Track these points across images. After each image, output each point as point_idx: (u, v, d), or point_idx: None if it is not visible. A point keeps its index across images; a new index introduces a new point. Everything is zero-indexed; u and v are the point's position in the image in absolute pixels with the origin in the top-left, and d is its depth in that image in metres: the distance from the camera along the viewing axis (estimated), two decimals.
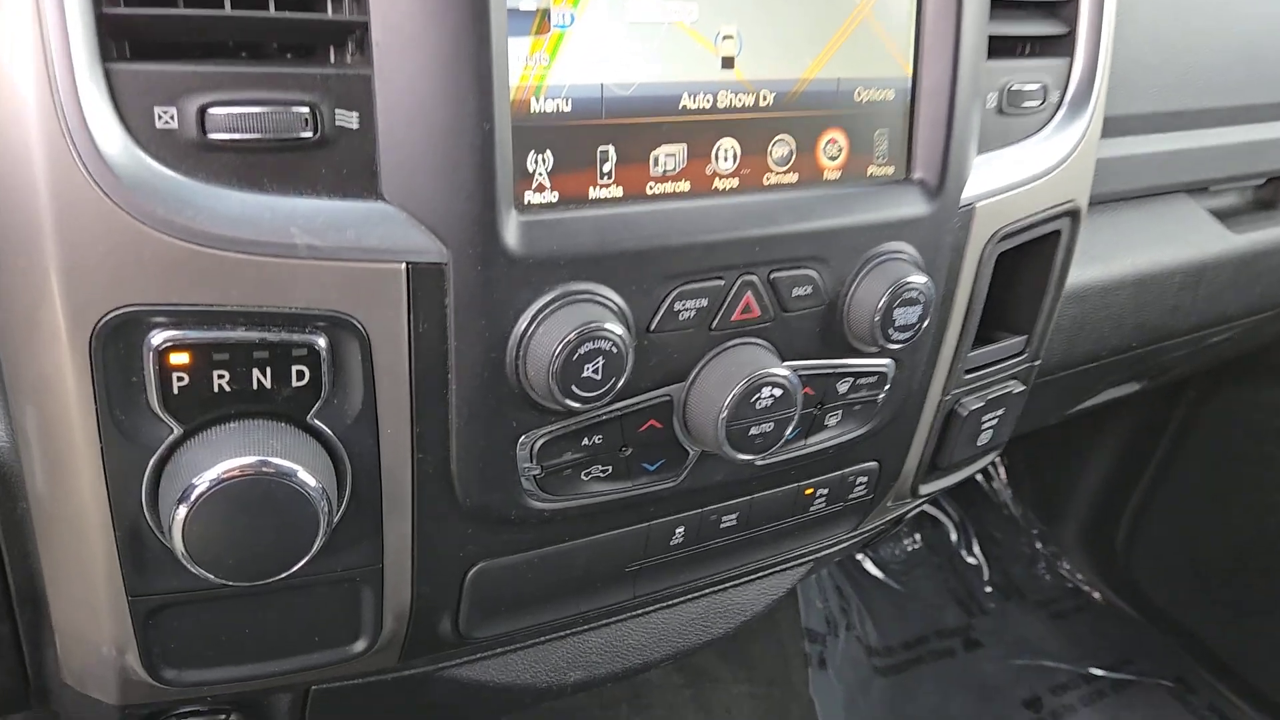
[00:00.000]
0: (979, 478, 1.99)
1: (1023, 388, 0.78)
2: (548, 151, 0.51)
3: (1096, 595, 1.91)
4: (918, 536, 1.91)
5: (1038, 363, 0.79)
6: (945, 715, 1.62)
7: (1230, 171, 1.01)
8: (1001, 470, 1.99)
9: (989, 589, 1.89)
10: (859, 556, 1.80)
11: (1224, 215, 1.05)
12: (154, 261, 0.44)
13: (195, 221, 0.44)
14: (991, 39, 0.64)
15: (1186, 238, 0.96)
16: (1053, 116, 0.71)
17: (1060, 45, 0.71)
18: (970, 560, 1.92)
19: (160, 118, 0.43)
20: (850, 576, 1.78)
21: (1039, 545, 1.96)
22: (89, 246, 0.43)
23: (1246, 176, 1.04)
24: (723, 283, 0.56)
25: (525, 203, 0.50)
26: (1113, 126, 0.88)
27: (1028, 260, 0.74)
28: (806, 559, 0.78)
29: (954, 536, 1.93)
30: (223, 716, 0.62)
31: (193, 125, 0.43)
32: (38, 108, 0.41)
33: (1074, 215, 0.74)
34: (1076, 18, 0.70)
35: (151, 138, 0.43)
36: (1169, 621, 1.81)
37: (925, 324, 0.61)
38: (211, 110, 0.43)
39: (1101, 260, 0.88)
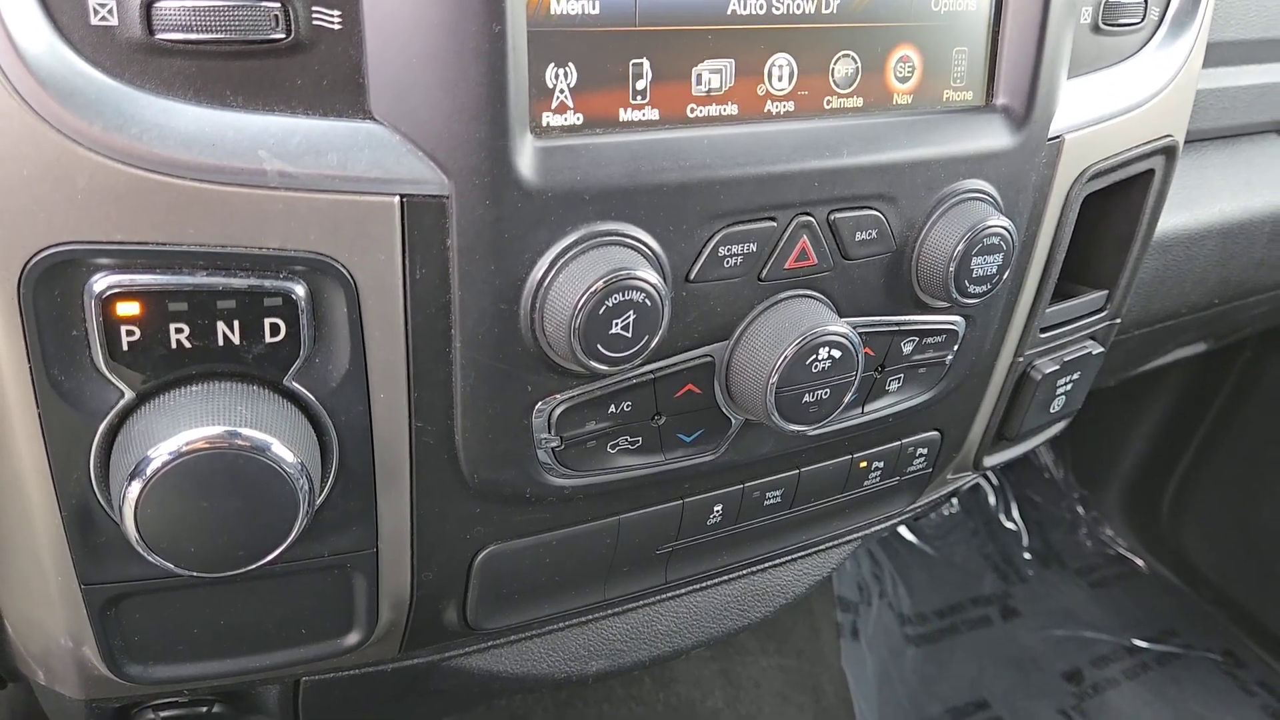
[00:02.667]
0: None
1: (1101, 349, 0.70)
2: (570, 64, 0.43)
3: (1140, 563, 1.83)
4: (954, 500, 1.83)
5: (1118, 320, 0.71)
6: (981, 687, 1.56)
7: None
8: None
9: (1028, 555, 1.82)
10: None
11: None
12: (92, 190, 0.36)
13: (141, 141, 0.36)
14: None
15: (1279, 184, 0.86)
16: (1152, 36, 0.61)
17: None
18: (1009, 525, 1.85)
19: (96, 12, 0.35)
20: (883, 541, 1.71)
21: (1081, 510, 1.89)
22: (10, 171, 0.35)
23: None
24: (775, 224, 0.48)
25: (543, 125, 0.42)
26: (1216, 54, 0.78)
27: (1115, 204, 0.66)
28: (855, 537, 0.70)
29: (992, 501, 1.86)
30: (204, 709, 0.56)
31: (136, 22, 0.36)
32: None
33: (1170, 153, 0.65)
34: None
35: (85, 36, 0.36)
36: (1217, 592, 1.74)
37: (1005, 275, 0.53)
38: (160, 3, 0.35)
39: (1187, 207, 0.80)
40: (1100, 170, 0.60)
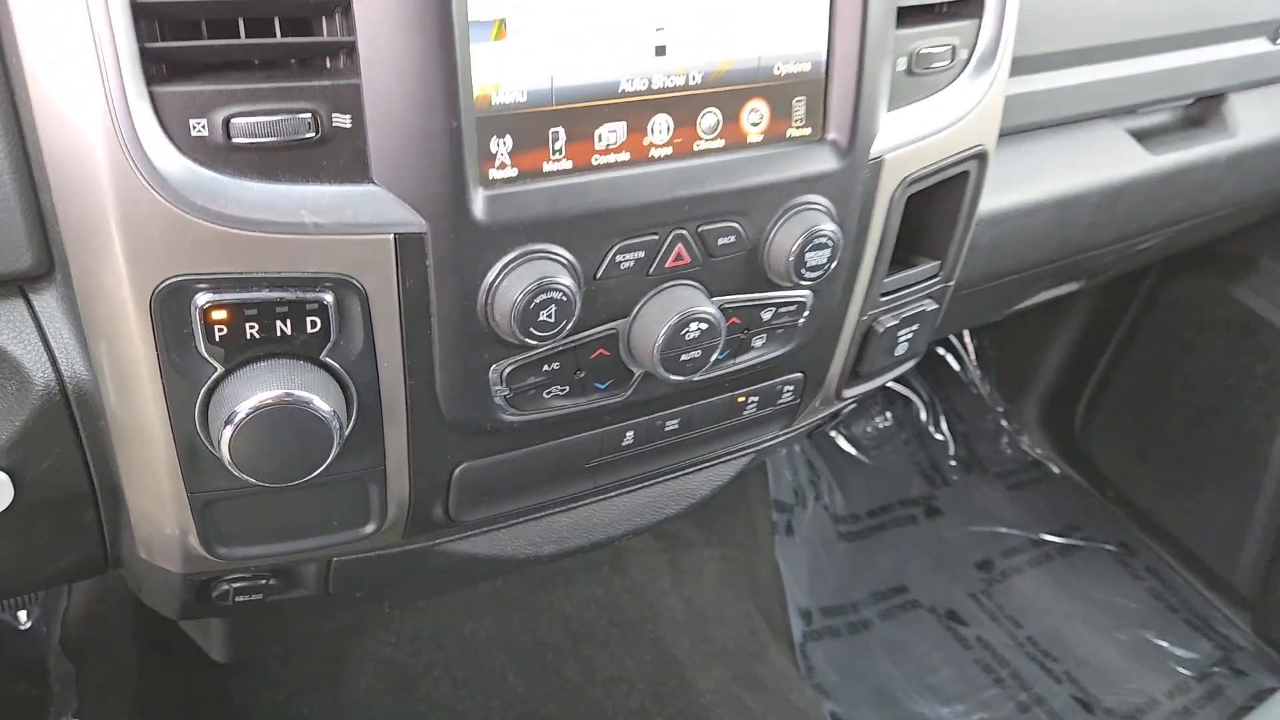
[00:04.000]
0: (950, 359, 2.12)
1: (935, 306, 0.90)
2: (507, 136, 0.62)
3: (1054, 469, 2.07)
4: (889, 414, 2.05)
5: (951, 283, 0.91)
6: (903, 575, 1.80)
7: (1154, 95, 1.09)
8: (971, 352, 2.12)
9: (953, 462, 2.04)
10: (831, 432, 1.95)
11: (1151, 134, 1.14)
12: (196, 241, 0.56)
13: (226, 209, 0.55)
14: (903, 9, 0.74)
15: (1105, 161, 1.05)
16: (960, 73, 0.80)
17: (969, 7, 0.79)
18: (937, 436, 2.07)
19: (195, 128, 0.54)
20: (822, 451, 1.93)
21: (1003, 423, 2.11)
22: (146, 232, 0.55)
23: (1172, 99, 1.13)
24: (657, 237, 0.67)
25: (489, 179, 0.62)
26: (1035, 64, 0.97)
27: (941, 195, 0.85)
28: (746, 453, 0.91)
29: (923, 415, 2.08)
30: (263, 580, 0.78)
31: (220, 132, 0.55)
32: (101, 127, 0.53)
33: (981, 157, 0.84)
34: None
35: (189, 144, 0.54)
36: (1117, 492, 1.97)
37: (834, 264, 0.73)
38: (235, 120, 0.54)
39: (1020, 187, 0.99)
40: (918, 177, 0.79)
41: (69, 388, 0.63)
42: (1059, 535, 1.93)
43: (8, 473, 0.63)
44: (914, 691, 1.60)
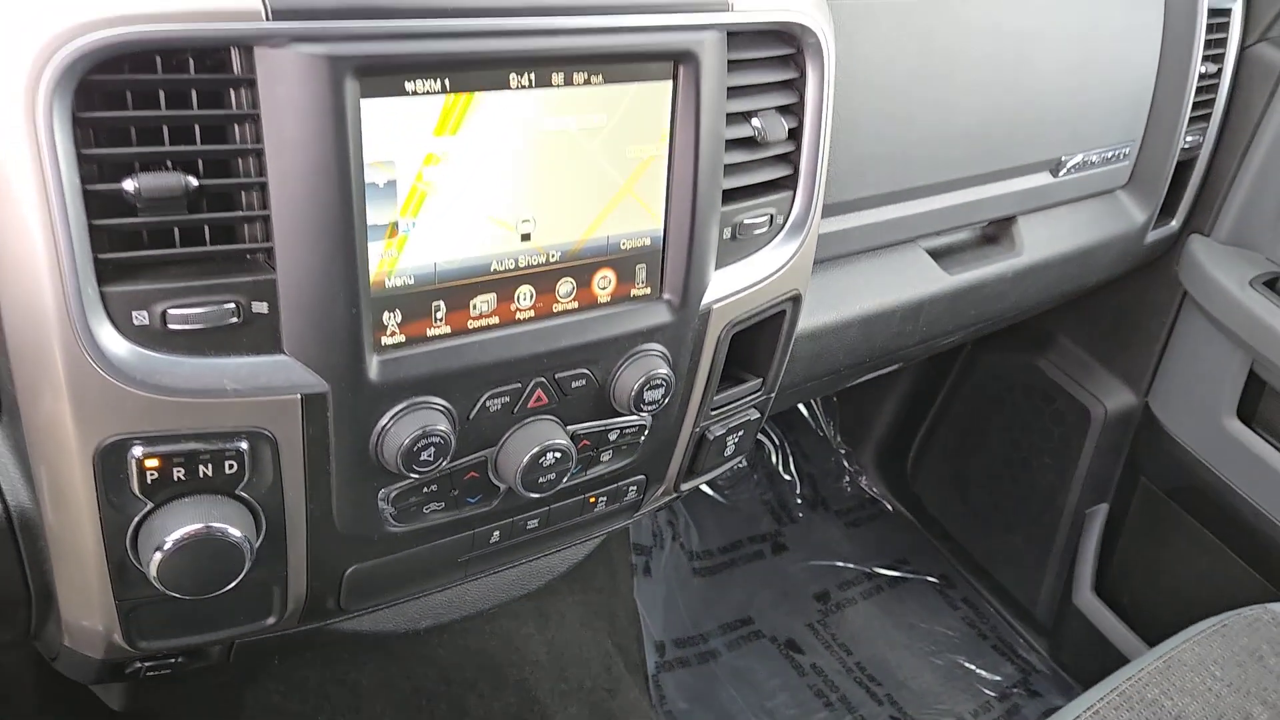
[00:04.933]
0: (800, 407, 2.33)
1: (758, 415, 1.07)
2: (397, 310, 0.75)
3: (888, 506, 2.30)
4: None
5: (773, 394, 1.09)
6: (749, 607, 1.98)
7: (954, 223, 1.30)
8: (818, 402, 2.33)
9: (799, 500, 2.25)
10: None
11: (950, 252, 1.35)
12: (135, 408, 0.67)
13: (162, 382, 0.67)
14: (728, 190, 0.90)
15: (908, 281, 1.25)
16: (776, 235, 0.97)
17: (785, 182, 0.96)
18: (786, 476, 2.27)
19: (136, 318, 0.66)
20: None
21: (845, 464, 2.33)
22: (93, 400, 0.66)
23: (968, 224, 1.34)
24: (520, 385, 0.82)
25: (381, 345, 0.75)
26: (847, 207, 1.15)
27: (764, 328, 1.01)
28: (598, 536, 1.07)
29: (774, 457, 2.28)
30: (172, 659, 0.89)
31: (158, 320, 0.66)
32: (56, 318, 0.64)
33: (795, 299, 1.01)
34: (798, 165, 0.96)
35: (131, 331, 0.66)
36: (939, 528, 2.21)
37: (668, 399, 0.89)
38: (170, 311, 0.66)
39: (834, 308, 1.17)
40: (740, 320, 0.96)
41: (13, 514, 0.74)
42: (889, 568, 2.15)
43: None
44: (753, 716, 1.78)
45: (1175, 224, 1.64)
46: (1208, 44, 1.47)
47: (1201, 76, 1.49)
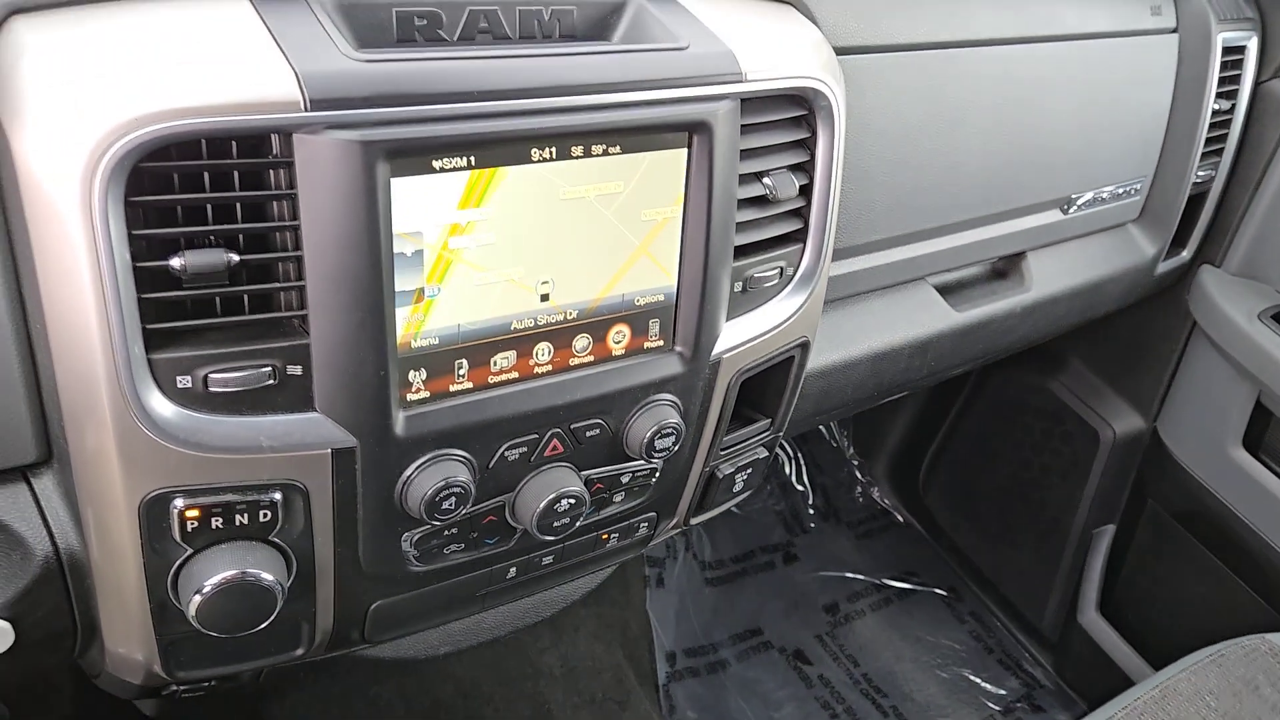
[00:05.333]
0: None
1: (767, 453, 1.11)
2: (422, 369, 0.80)
3: (899, 518, 2.33)
4: None
5: (781, 433, 1.13)
6: (759, 618, 2.03)
7: (960, 262, 1.33)
8: None
9: (811, 511, 2.29)
10: None
11: (959, 288, 1.38)
12: (178, 464, 0.72)
13: (203, 440, 0.72)
14: (740, 246, 0.94)
15: (916, 319, 1.28)
16: (788, 286, 1.01)
17: (795, 237, 1.00)
18: (799, 487, 2.31)
19: (180, 382, 0.71)
20: None
21: (858, 475, 2.36)
22: (140, 459, 0.71)
23: (977, 261, 1.37)
24: (538, 436, 0.86)
25: (407, 401, 0.80)
26: (857, 250, 1.19)
27: (773, 373, 1.05)
28: (610, 567, 1.12)
29: (788, 468, 2.32)
30: (206, 683, 0.95)
31: (200, 384, 0.71)
32: (107, 384, 0.69)
33: (804, 346, 1.05)
34: (808, 220, 0.99)
35: (176, 394, 0.71)
36: (949, 541, 2.24)
37: (678, 446, 0.93)
38: (212, 375, 0.71)
39: (843, 347, 1.20)
40: (750, 368, 1.00)
41: (63, 555, 0.79)
42: (898, 580, 2.19)
43: (10, 621, 0.79)
44: None
45: (1186, 254, 1.67)
46: (1221, 81, 1.49)
47: (1215, 113, 1.51)
